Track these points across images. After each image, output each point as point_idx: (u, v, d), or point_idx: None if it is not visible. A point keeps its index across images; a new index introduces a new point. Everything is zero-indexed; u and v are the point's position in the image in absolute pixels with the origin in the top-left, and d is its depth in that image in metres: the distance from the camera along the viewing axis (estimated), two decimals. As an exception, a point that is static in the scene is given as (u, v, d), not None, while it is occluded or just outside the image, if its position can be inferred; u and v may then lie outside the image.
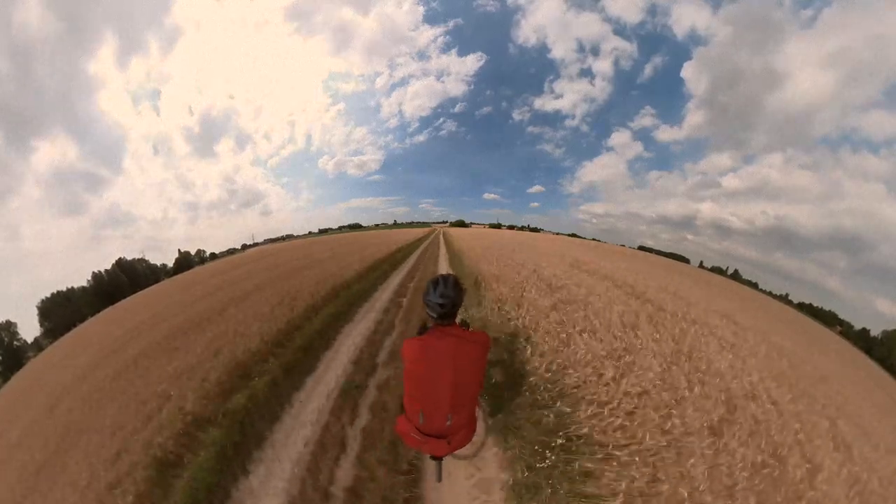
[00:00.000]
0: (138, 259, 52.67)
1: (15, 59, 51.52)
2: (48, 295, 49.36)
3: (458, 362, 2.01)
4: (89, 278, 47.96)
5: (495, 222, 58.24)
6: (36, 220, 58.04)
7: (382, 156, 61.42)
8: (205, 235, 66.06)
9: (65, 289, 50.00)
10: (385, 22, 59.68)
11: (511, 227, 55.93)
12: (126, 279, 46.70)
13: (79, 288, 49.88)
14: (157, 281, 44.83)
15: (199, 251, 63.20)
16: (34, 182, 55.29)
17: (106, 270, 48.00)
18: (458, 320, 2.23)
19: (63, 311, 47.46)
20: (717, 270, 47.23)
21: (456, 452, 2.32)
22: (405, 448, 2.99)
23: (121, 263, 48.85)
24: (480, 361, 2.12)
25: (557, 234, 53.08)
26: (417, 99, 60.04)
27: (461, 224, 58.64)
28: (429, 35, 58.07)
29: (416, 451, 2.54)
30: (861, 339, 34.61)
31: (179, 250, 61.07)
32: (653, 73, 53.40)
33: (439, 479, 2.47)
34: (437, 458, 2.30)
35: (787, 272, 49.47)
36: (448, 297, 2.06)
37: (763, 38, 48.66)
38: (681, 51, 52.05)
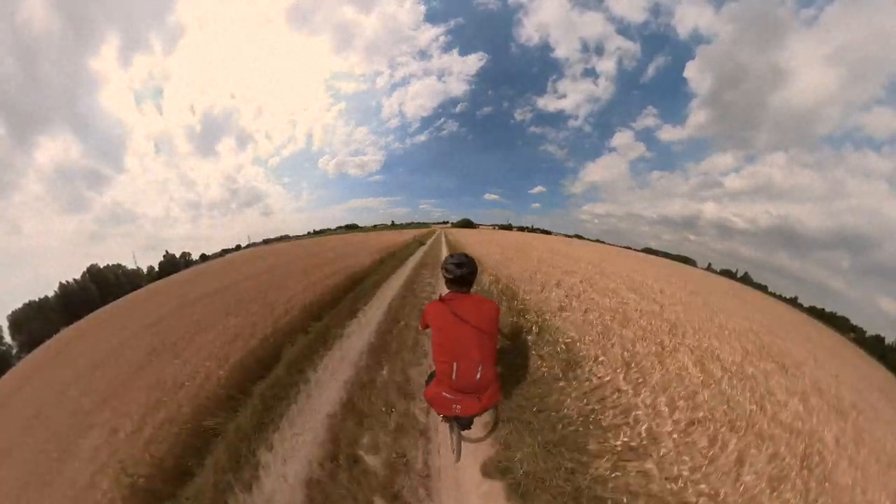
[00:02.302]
0: (113, 266, 47.99)
1: (19, 56, 49.41)
2: (19, 306, 45.34)
3: (479, 317, 2.26)
4: (56, 289, 43.19)
5: (505, 223, 55.60)
6: (38, 216, 55.47)
7: (383, 156, 59.41)
8: (206, 235, 64.69)
9: (37, 299, 45.91)
10: (386, 21, 57.41)
11: (521, 229, 53.14)
12: (96, 289, 41.97)
13: (53, 298, 45.83)
14: (134, 288, 41.08)
15: (183, 254, 59.66)
16: (37, 178, 53.68)
17: (75, 280, 43.26)
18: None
19: (34, 324, 42.98)
20: (726, 273, 46.46)
21: (469, 435, 2.59)
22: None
23: (91, 272, 44.09)
24: (495, 319, 2.34)
25: (568, 235, 51.25)
26: (418, 99, 57.30)
27: (467, 224, 55.44)
28: (430, 34, 55.42)
29: (447, 414, 2.41)
30: (875, 346, 32.81)
31: (167, 252, 58.50)
32: (655, 73, 51.74)
33: (458, 458, 2.59)
34: (459, 425, 2.50)
35: (791, 272, 47.98)
36: (463, 263, 2.44)
37: (765, 36, 47.61)
38: (683, 50, 50.57)
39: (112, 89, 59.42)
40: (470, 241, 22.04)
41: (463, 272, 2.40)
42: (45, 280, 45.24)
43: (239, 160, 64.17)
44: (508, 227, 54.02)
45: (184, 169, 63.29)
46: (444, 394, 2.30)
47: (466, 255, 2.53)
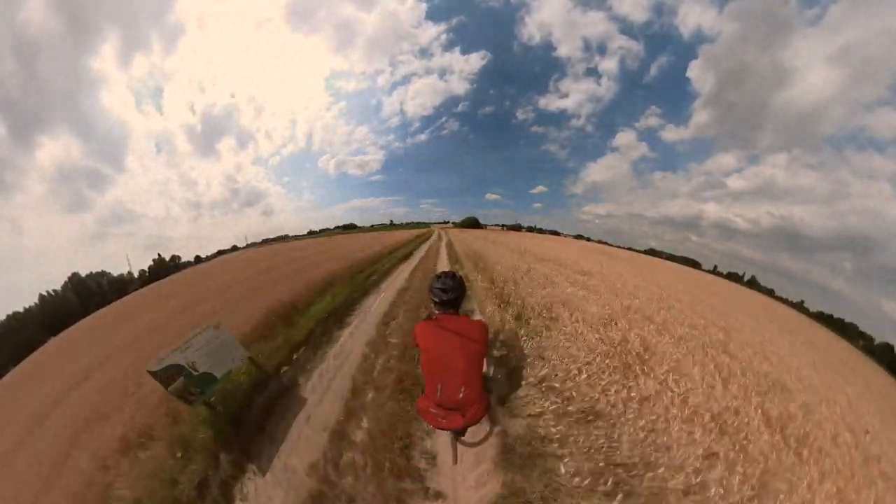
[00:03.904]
0: (97, 273, 45.25)
1: (20, 57, 47.75)
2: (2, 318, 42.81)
3: (464, 340, 2.31)
4: (36, 300, 40.42)
5: (514, 223, 52.86)
6: (41, 216, 53.58)
7: (383, 156, 58.80)
8: (207, 235, 63.52)
9: (22, 309, 43.34)
10: (387, 19, 55.33)
11: (530, 229, 50.62)
12: (76, 299, 39.20)
13: (34, 309, 43.24)
14: (120, 296, 38.63)
15: (173, 257, 57.63)
16: (39, 178, 52.13)
17: (55, 291, 40.45)
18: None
19: (15, 338, 40.24)
20: (732, 276, 45.57)
21: (467, 440, 2.70)
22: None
23: (73, 281, 41.25)
24: (482, 341, 2.38)
25: (577, 237, 49.50)
26: (419, 98, 58.30)
27: (472, 224, 51.91)
28: (431, 32, 56.77)
29: (435, 427, 2.52)
30: (884, 355, 31.09)
31: (159, 255, 56.53)
32: (658, 73, 52.53)
33: (455, 461, 2.83)
34: (455, 434, 2.59)
35: (793, 274, 47.14)
36: (448, 286, 2.46)
37: (768, 35, 46.67)
38: (687, 50, 51.17)
39: (112, 89, 57.52)
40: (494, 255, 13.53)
41: (448, 297, 2.48)
42: (47, 281, 43.70)
43: (239, 159, 62.69)
44: (517, 228, 51.33)
45: (184, 169, 61.52)
46: (430, 409, 2.43)
47: (453, 277, 2.56)
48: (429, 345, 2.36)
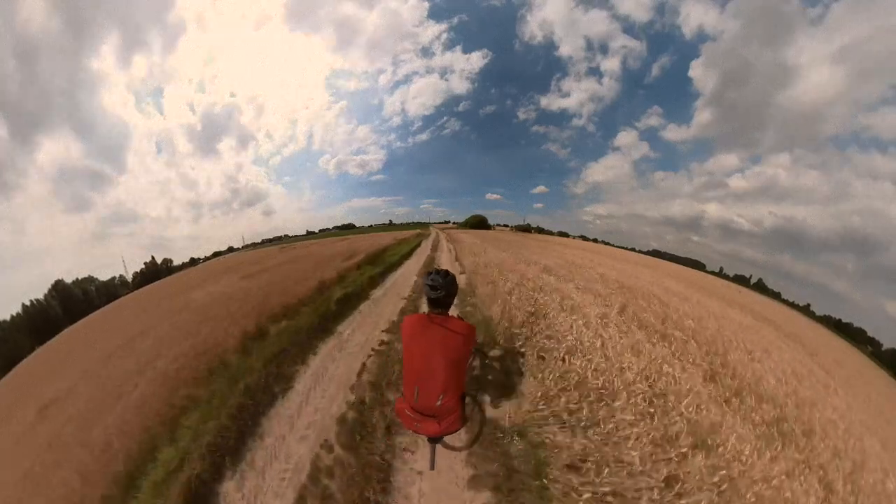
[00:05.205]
0: (84, 279, 43.25)
1: (19, 56, 47.07)
2: None
3: (446, 345, 2.21)
4: (19, 310, 38.28)
5: (522, 223, 51.10)
6: (42, 216, 55.03)
7: (384, 155, 56.34)
8: (207, 235, 63.58)
9: (10, 317, 41.31)
10: (389, 17, 53.81)
11: (540, 231, 49.14)
12: (59, 308, 37.16)
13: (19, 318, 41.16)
14: (108, 301, 36.78)
15: (165, 260, 56.01)
16: (39, 179, 52.36)
17: (37, 300, 38.31)
18: (454, 314, 2.51)
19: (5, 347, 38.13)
20: (739, 279, 44.48)
21: (451, 443, 2.67)
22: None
23: (57, 288, 39.13)
24: (464, 347, 2.26)
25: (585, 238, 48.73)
26: (420, 97, 54.05)
27: (480, 223, 49.67)
28: (433, 31, 52.13)
29: (411, 431, 2.47)
30: (893, 361, 30.68)
31: (152, 257, 55.10)
32: (660, 73, 49.22)
33: (432, 466, 2.67)
34: (432, 441, 2.51)
35: (796, 275, 47.91)
36: (438, 283, 2.37)
37: (771, 32, 45.25)
38: (689, 49, 48.04)
39: (112, 89, 57.13)
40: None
41: (437, 295, 2.37)
42: (49, 280, 42.47)
43: (240, 159, 62.17)
44: (527, 229, 49.69)
45: (185, 169, 60.76)
46: (407, 412, 2.32)
47: (445, 275, 2.46)
48: (411, 344, 2.26)
